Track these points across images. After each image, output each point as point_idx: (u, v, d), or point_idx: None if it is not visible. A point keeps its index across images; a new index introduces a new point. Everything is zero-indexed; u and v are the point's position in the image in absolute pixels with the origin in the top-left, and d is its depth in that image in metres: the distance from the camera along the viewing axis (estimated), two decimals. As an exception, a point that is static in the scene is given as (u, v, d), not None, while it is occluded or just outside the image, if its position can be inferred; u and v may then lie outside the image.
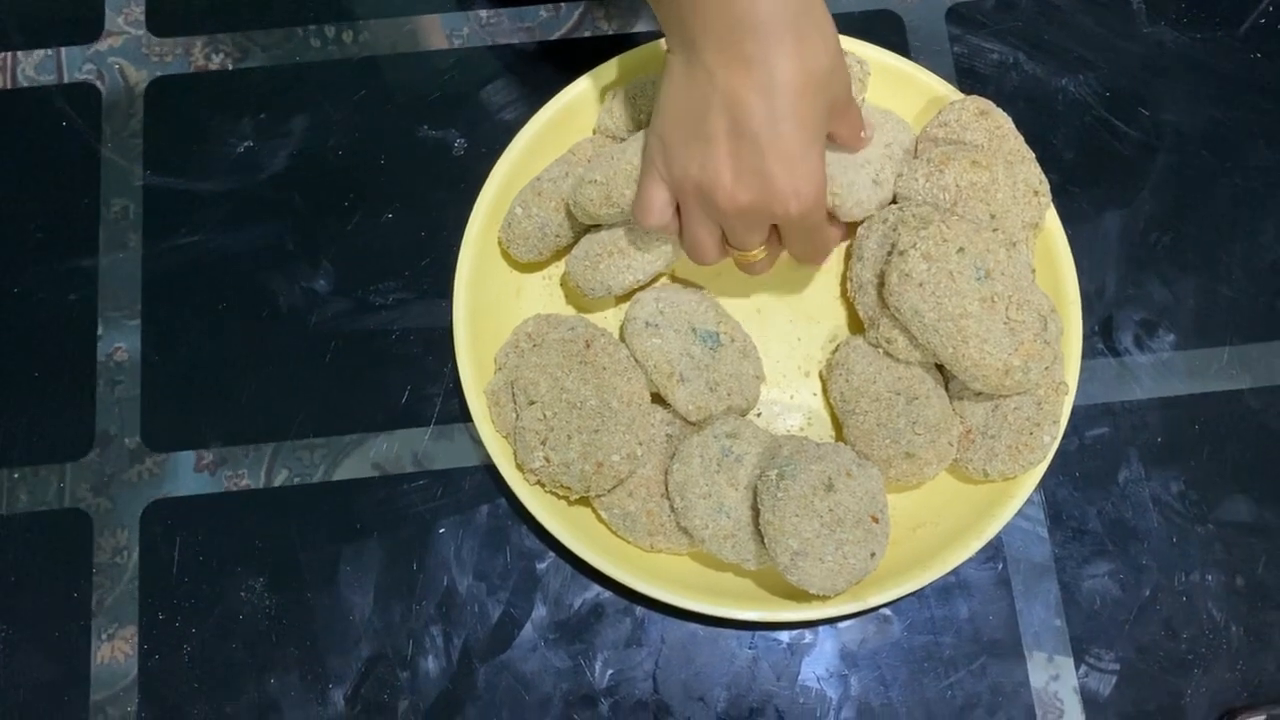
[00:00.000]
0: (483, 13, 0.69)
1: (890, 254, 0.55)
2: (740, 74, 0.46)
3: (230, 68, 0.68)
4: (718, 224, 0.52)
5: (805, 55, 0.46)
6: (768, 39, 0.46)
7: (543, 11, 0.69)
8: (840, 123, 0.53)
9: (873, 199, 0.57)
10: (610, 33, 0.69)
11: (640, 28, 0.69)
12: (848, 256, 0.60)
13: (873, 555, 0.53)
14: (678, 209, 0.53)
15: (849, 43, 0.62)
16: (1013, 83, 0.68)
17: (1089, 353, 0.63)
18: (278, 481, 0.60)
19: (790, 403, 0.61)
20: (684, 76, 0.49)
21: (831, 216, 0.57)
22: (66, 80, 0.67)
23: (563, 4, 0.69)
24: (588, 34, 0.69)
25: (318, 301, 0.63)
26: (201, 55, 0.68)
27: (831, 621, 0.58)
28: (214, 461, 0.60)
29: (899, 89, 0.63)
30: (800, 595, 0.54)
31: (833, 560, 0.51)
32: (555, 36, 0.69)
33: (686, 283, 0.62)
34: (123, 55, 0.68)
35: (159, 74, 0.67)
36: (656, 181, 0.52)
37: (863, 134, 0.55)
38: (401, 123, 0.66)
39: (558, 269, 0.63)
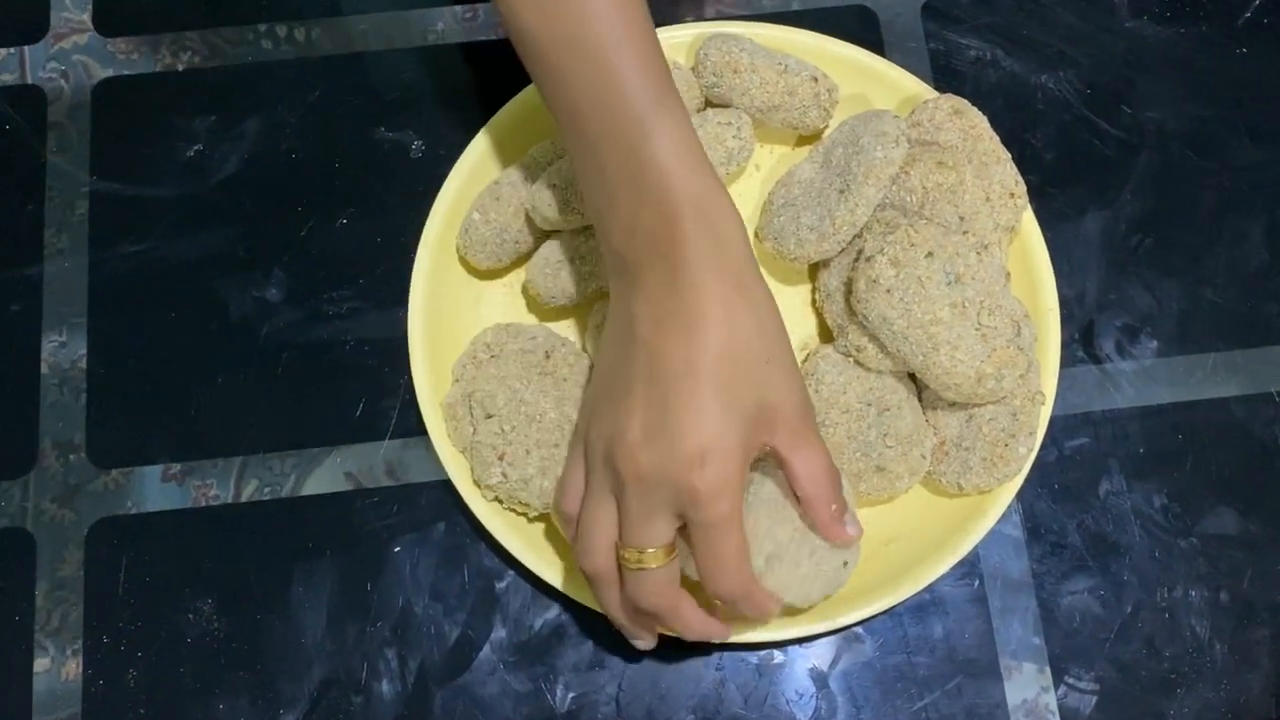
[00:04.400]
0: (458, 8, 0.67)
1: (857, 260, 0.53)
2: (664, 332, 0.44)
3: (180, 68, 0.65)
4: (615, 500, 0.46)
5: (734, 327, 0.44)
6: (694, 302, 0.44)
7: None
8: (783, 446, 0.45)
9: None
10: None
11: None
12: (816, 264, 0.58)
13: (845, 564, 0.51)
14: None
15: (818, 40, 0.61)
16: (990, 80, 0.66)
17: (1069, 360, 0.61)
18: (245, 495, 0.58)
19: (759, 414, 0.59)
20: (615, 322, 0.47)
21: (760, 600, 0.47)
22: (30, 80, 0.65)
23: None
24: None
25: (269, 311, 0.61)
26: (169, 54, 0.66)
27: (801, 641, 0.56)
28: (181, 473, 0.58)
29: (872, 87, 0.61)
30: (768, 615, 0.53)
31: (808, 566, 0.49)
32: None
33: (651, 289, 0.60)
34: (88, 54, 0.66)
35: (108, 75, 0.65)
36: (578, 455, 0.48)
37: (846, 525, 0.48)
38: (357, 124, 0.64)
39: (518, 276, 0.61)
